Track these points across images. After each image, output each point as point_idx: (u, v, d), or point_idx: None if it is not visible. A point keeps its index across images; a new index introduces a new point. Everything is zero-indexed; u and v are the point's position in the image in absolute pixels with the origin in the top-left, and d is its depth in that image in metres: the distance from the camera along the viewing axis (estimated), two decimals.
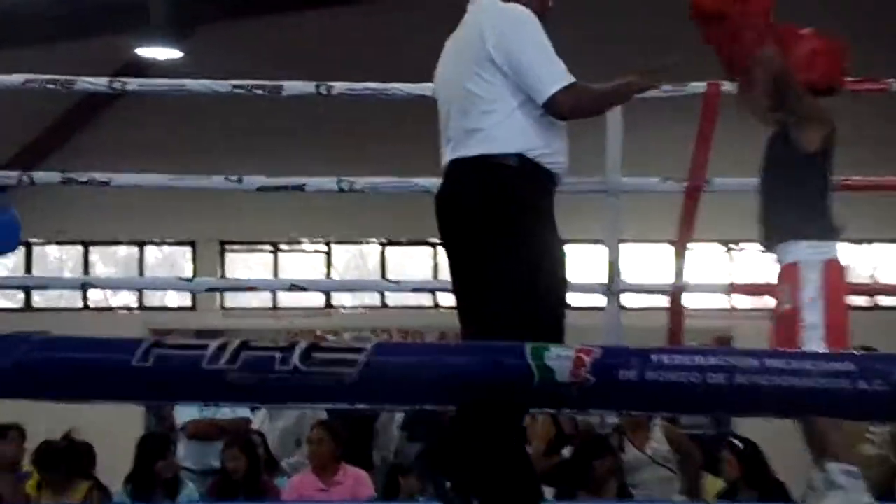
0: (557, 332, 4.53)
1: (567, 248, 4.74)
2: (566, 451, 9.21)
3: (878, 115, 14.54)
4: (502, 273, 4.52)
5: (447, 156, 4.74)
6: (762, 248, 5.15)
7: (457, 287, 4.79)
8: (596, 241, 7.20)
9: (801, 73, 5.09)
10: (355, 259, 18.32)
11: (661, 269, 5.93)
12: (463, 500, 4.73)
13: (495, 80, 4.67)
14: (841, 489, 4.86)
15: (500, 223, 4.57)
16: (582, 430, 9.73)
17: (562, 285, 4.66)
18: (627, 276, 6.98)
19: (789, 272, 4.93)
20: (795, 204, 5.06)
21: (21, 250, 18.13)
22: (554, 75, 4.60)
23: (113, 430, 10.47)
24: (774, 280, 5.08)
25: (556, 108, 4.62)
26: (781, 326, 4.92)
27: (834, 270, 4.98)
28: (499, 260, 4.55)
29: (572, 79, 4.58)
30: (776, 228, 5.07)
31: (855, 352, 2.43)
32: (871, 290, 16.77)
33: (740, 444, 9.00)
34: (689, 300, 5.84)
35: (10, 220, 5.81)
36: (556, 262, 4.67)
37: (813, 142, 5.04)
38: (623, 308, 6.86)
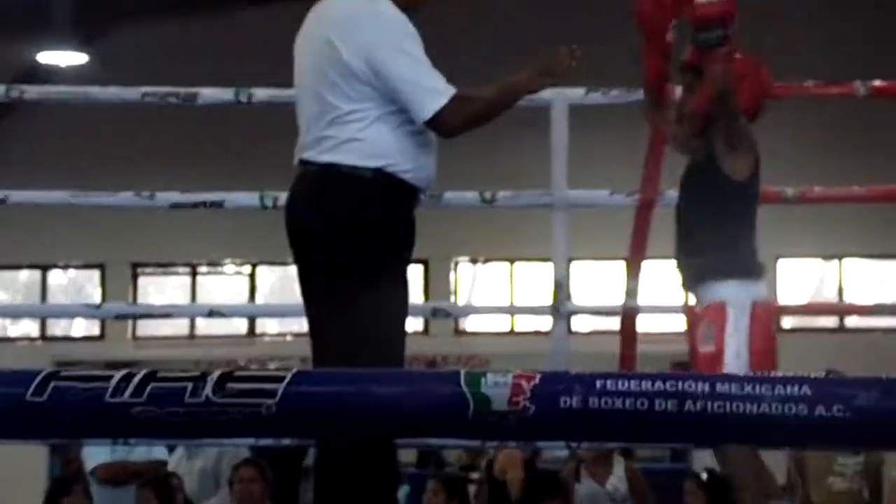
0: (399, 359, 4.68)
1: (405, 295, 4.82)
2: None
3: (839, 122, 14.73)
4: (352, 296, 4.62)
5: (297, 156, 4.76)
6: (682, 287, 5.21)
7: (310, 310, 4.86)
8: (544, 260, 7.23)
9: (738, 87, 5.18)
10: (281, 281, 18.31)
11: (614, 290, 5.94)
12: None
13: (351, 87, 4.65)
14: None
15: (352, 241, 4.63)
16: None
17: (400, 337, 4.75)
18: (577, 296, 7.01)
19: (716, 311, 5.00)
20: (722, 239, 5.13)
21: None
22: (432, 91, 4.61)
23: (13, 475, 10.42)
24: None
25: (441, 129, 4.68)
26: (700, 367, 4.99)
27: (763, 313, 5.07)
28: (350, 282, 4.62)
29: (452, 90, 4.61)
30: (700, 266, 5.14)
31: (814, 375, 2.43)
32: (837, 309, 16.99)
33: (705, 477, 9.09)
34: (643, 323, 5.85)
35: None
36: (398, 288, 4.77)
37: (742, 171, 5.10)
38: (571, 332, 6.90)
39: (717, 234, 5.11)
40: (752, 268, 5.15)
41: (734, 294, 5.04)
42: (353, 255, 4.64)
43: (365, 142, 4.65)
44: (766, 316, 5.11)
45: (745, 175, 5.11)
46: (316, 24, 4.83)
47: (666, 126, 5.43)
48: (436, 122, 4.63)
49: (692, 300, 5.21)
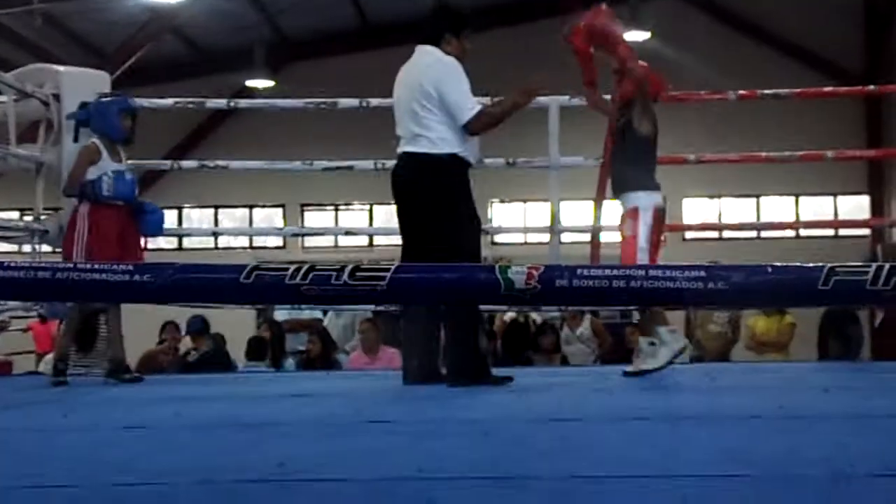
0: (477, 255, 4.83)
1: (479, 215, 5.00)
2: None
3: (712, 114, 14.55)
4: (441, 222, 4.81)
5: (400, 149, 4.91)
6: (614, 195, 5.28)
7: (406, 234, 4.96)
8: (545, 200, 7.20)
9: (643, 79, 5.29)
10: (388, 214, 18.33)
11: (587, 218, 5.91)
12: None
13: (431, 105, 4.81)
14: (665, 344, 5.03)
15: (438, 195, 4.83)
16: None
17: (476, 229, 4.95)
18: (564, 221, 6.97)
19: (632, 213, 5.06)
20: (635, 168, 5.21)
21: (175, 211, 18.23)
22: (466, 108, 4.80)
23: (239, 322, 10.52)
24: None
25: (469, 130, 4.83)
26: (624, 246, 5.10)
27: (657, 213, 5.16)
28: (439, 216, 4.82)
29: (479, 107, 4.81)
30: (623, 182, 5.23)
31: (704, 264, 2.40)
32: (718, 227, 16.96)
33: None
34: (604, 237, 5.81)
35: (161, 215, 5.84)
36: (472, 216, 4.94)
37: (648, 129, 5.20)
38: (561, 242, 6.85)
39: (632, 165, 5.22)
40: (652, 184, 5.21)
41: (642, 200, 5.13)
42: (442, 199, 4.85)
43: (440, 135, 4.82)
44: (659, 215, 5.17)
45: (649, 132, 5.22)
46: (407, 72, 5.02)
47: (601, 107, 5.59)
48: (466, 127, 4.82)
49: (619, 204, 5.23)
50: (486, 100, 5.09)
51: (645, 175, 5.22)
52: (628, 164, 5.21)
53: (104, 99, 5.82)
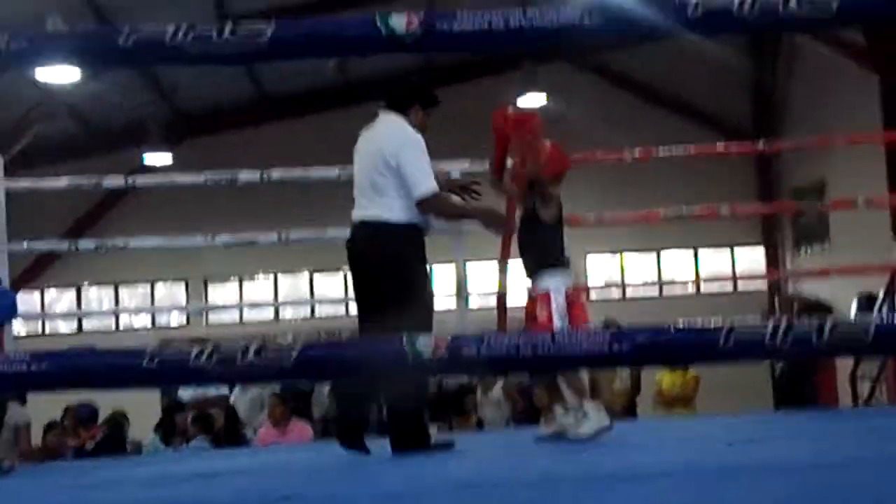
0: (430, 325, 4.64)
1: (430, 272, 4.87)
2: None
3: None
4: (396, 291, 4.72)
5: (355, 215, 4.84)
6: (526, 276, 5.28)
7: (360, 303, 4.84)
8: (449, 262, 7.22)
9: (545, 169, 5.18)
10: (294, 284, 18.20)
11: (492, 281, 5.92)
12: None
13: (389, 174, 4.74)
14: (589, 418, 5.00)
15: (394, 262, 4.80)
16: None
17: (431, 299, 4.91)
18: (473, 285, 6.98)
19: (544, 297, 5.07)
20: (543, 250, 5.21)
21: (73, 291, 17.87)
22: (423, 184, 4.80)
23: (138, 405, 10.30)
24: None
25: (420, 207, 4.82)
26: (541, 329, 5.06)
27: (571, 293, 5.21)
28: (394, 284, 4.67)
29: (435, 189, 4.80)
30: (533, 265, 5.24)
31: (607, 327, 2.42)
32: (620, 285, 17.24)
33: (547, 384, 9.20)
34: (511, 301, 5.83)
35: (11, 298, 5.63)
36: (427, 285, 4.97)
37: (551, 217, 5.20)
38: (468, 309, 6.88)
39: (540, 249, 5.21)
40: (561, 264, 5.23)
41: (553, 283, 5.13)
42: (398, 266, 4.81)
43: (397, 203, 4.81)
44: (573, 294, 5.21)
45: (553, 219, 5.22)
46: (369, 139, 4.98)
47: (507, 191, 5.46)
48: (419, 203, 4.80)
49: (530, 285, 5.26)
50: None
51: (553, 257, 5.25)
52: (537, 248, 5.24)
53: None
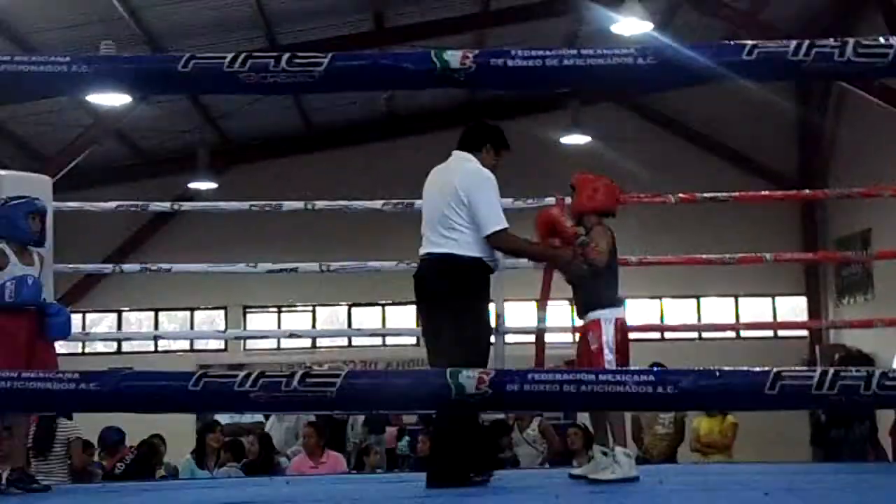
0: (484, 362, 4.72)
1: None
2: None
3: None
4: (459, 326, 4.77)
5: (423, 248, 4.89)
6: (578, 316, 5.32)
7: (427, 336, 4.89)
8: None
9: (593, 203, 5.27)
10: (331, 316, 18.27)
11: (531, 318, 5.93)
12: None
13: (461, 210, 4.80)
14: (619, 465, 4.94)
15: (459, 297, 4.82)
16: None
17: (489, 336, 5.06)
18: (510, 322, 6.98)
19: (594, 324, 5.05)
20: (596, 290, 5.21)
21: (114, 315, 18.04)
22: (493, 222, 4.85)
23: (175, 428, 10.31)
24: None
25: (490, 242, 4.88)
26: (588, 359, 5.04)
27: (621, 324, 5.20)
28: (458, 318, 4.79)
29: (505, 225, 4.86)
30: (587, 305, 5.26)
31: (652, 368, 2.41)
32: (660, 328, 17.05)
33: (582, 426, 9.14)
34: (548, 337, 5.82)
35: (66, 317, 5.66)
36: (488, 322, 5.10)
37: (604, 259, 5.16)
38: (505, 343, 6.86)
39: (593, 289, 5.18)
40: (614, 302, 5.20)
41: (605, 314, 5.12)
42: (464, 302, 4.83)
43: (467, 239, 4.85)
44: (622, 325, 5.17)
45: (605, 260, 5.17)
46: (441, 175, 5.07)
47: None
48: (489, 238, 4.85)
49: (581, 323, 5.25)
50: None
51: (606, 294, 5.24)
52: (589, 289, 5.24)
53: (10, 202, 5.56)
